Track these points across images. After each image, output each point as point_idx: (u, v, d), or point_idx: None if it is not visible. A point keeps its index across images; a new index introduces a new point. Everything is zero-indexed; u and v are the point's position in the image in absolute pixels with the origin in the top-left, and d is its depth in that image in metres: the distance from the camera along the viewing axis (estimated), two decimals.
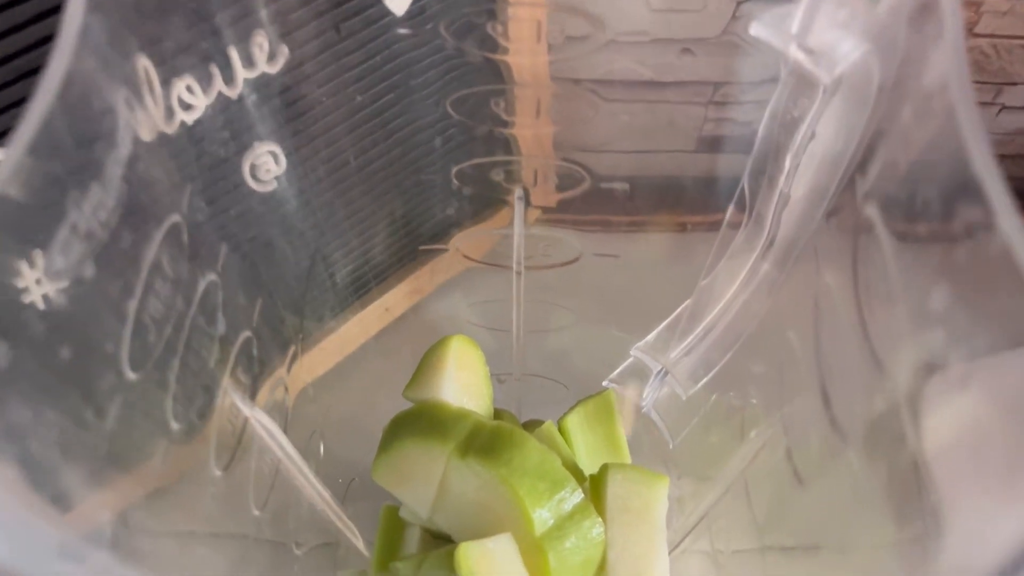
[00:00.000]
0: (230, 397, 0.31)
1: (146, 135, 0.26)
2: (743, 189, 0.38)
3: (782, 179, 0.38)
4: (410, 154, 0.36)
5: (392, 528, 0.43)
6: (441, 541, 0.42)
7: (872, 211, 0.26)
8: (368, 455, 0.46)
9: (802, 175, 0.37)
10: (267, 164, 0.36)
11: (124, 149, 0.25)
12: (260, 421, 0.33)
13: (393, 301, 0.46)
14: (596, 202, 0.37)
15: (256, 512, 0.33)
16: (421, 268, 0.44)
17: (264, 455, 0.33)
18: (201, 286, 0.29)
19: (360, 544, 0.42)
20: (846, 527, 0.26)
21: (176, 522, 0.27)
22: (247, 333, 0.33)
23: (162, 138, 0.27)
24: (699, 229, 0.38)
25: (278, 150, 0.36)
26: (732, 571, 0.35)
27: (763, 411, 0.33)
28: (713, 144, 0.39)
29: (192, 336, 0.28)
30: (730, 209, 0.37)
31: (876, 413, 0.24)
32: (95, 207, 0.23)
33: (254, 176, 0.35)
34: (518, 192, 0.38)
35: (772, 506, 0.31)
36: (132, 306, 0.25)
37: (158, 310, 0.26)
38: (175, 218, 0.27)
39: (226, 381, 0.31)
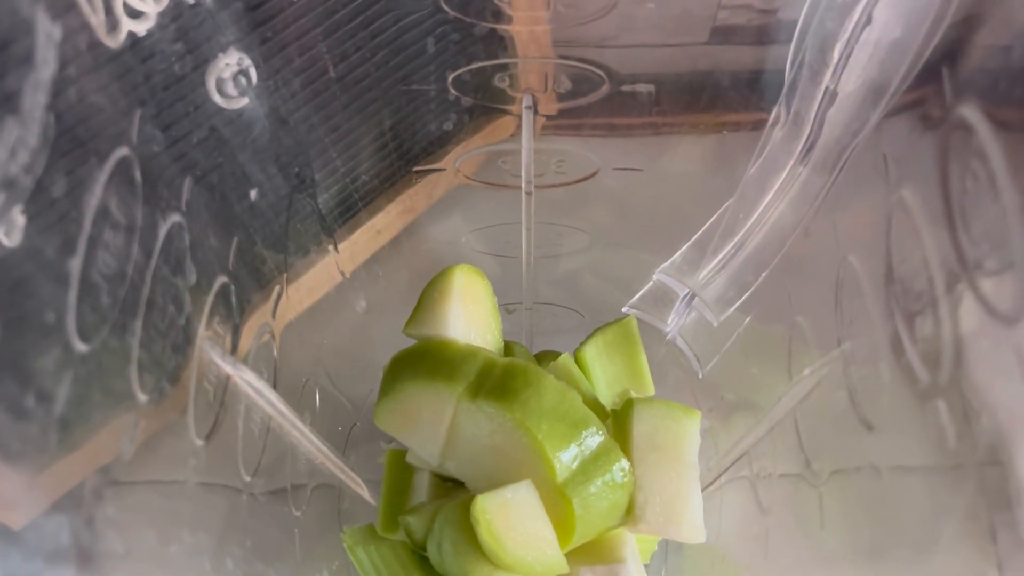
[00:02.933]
0: (207, 354, 0.27)
1: (80, 52, 0.21)
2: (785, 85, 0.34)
3: (828, 73, 0.33)
4: (398, 59, 0.31)
5: (399, 475, 0.39)
6: (453, 485, 0.39)
7: (969, 111, 0.21)
8: (369, 395, 0.42)
9: (853, 68, 0.32)
10: (235, 77, 0.31)
11: (46, 71, 0.20)
12: (245, 379, 0.29)
13: (384, 223, 0.42)
14: (617, 109, 0.32)
15: (247, 478, 0.29)
16: (414, 187, 0.39)
17: (252, 414, 0.30)
18: (163, 230, 0.25)
19: (366, 494, 0.38)
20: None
21: (152, 507, 0.23)
22: (223, 278, 0.29)
23: (102, 54, 0.22)
24: (738, 131, 0.33)
25: (246, 60, 0.31)
26: (776, 502, 0.32)
27: (816, 344, 0.29)
28: (743, 35, 0.34)
29: (156, 290, 0.24)
30: (775, 110, 0.32)
31: (967, 365, 0.20)
32: (12, 147, 0.18)
33: (221, 92, 0.30)
34: (526, 100, 0.33)
35: (830, 451, 0.27)
36: (75, 265, 0.20)
37: (109, 265, 0.22)
38: (123, 152, 0.23)
39: (201, 337, 0.27)
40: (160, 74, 0.25)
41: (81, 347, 0.21)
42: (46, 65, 0.20)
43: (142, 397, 0.23)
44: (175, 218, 0.25)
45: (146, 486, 0.24)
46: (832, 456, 0.27)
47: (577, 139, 0.34)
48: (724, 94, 0.32)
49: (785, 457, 0.30)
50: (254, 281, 0.31)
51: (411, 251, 0.41)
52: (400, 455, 0.39)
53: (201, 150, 0.27)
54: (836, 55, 0.31)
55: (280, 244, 0.33)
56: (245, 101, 0.31)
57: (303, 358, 0.36)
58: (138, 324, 0.23)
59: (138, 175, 0.23)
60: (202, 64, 0.27)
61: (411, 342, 0.38)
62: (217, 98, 0.30)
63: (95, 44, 0.22)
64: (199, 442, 0.26)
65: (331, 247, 0.40)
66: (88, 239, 0.21)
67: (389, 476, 0.39)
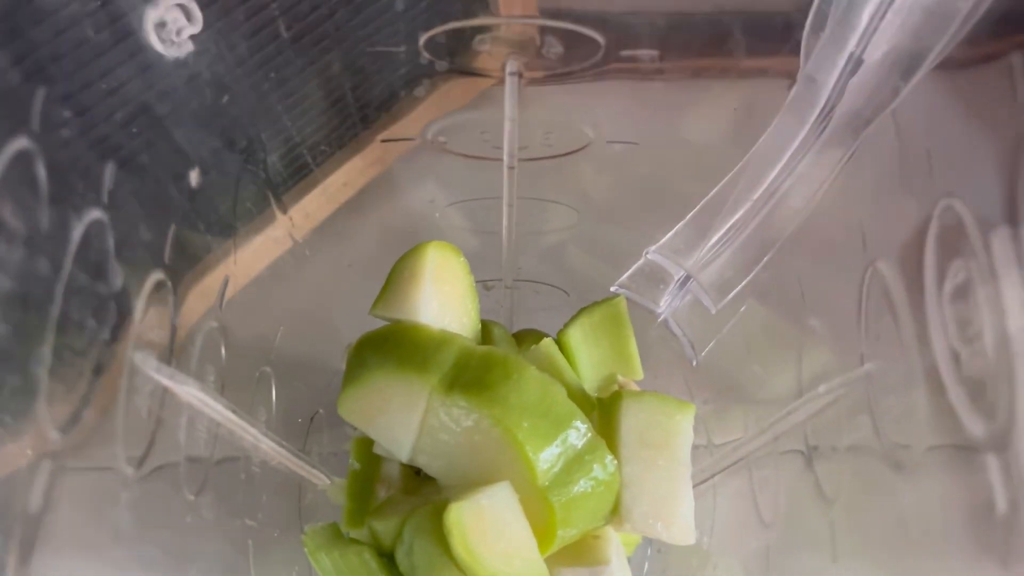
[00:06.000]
0: (139, 368, 0.23)
1: None
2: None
3: (854, 38, 0.29)
4: (360, 16, 0.26)
5: (366, 465, 0.36)
6: (424, 478, 0.36)
7: None
8: (333, 379, 0.39)
9: (883, 33, 0.28)
10: (177, 20, 0.27)
11: None
12: (186, 390, 0.25)
13: (341, 180, 0.37)
14: (613, 76, 0.28)
15: (191, 497, 0.26)
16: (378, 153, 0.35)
17: (196, 424, 0.26)
18: (77, 232, 0.21)
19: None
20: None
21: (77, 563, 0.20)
22: (157, 275, 0.25)
23: None
24: (750, 102, 0.29)
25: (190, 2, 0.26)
26: (779, 518, 0.29)
27: (833, 354, 0.26)
28: None
29: (70, 305, 0.20)
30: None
31: None
32: None
33: (162, 36, 0.26)
34: (510, 66, 0.28)
35: (847, 478, 0.24)
36: None
37: (2, 287, 0.18)
38: (20, 144, 0.19)
39: (131, 348, 0.23)
40: (69, 37, 0.21)
41: None
42: None
43: (55, 436, 0.20)
44: (94, 214, 0.21)
45: (69, 531, 0.21)
46: (849, 485, 0.24)
47: (567, 108, 0.30)
48: (737, 61, 0.28)
49: (791, 472, 0.28)
50: (197, 273, 0.27)
51: (377, 219, 0.37)
52: (367, 443, 0.36)
53: (125, 130, 0.23)
54: (865, 18, 0.28)
55: (228, 228, 0.29)
56: (188, 48, 0.26)
57: (255, 346, 0.32)
58: (45, 351, 0.19)
59: (42, 170, 0.19)
60: (117, 20, 0.22)
61: (378, 324, 0.34)
62: (156, 44, 0.25)
63: None
64: (129, 471, 0.23)
65: (279, 211, 0.36)
66: None
67: (354, 471, 0.36)
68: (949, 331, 0.20)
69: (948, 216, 0.20)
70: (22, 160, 0.19)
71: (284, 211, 0.35)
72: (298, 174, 0.34)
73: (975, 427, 0.19)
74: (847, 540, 0.25)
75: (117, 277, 0.22)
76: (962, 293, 0.20)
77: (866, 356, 0.24)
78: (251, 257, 0.33)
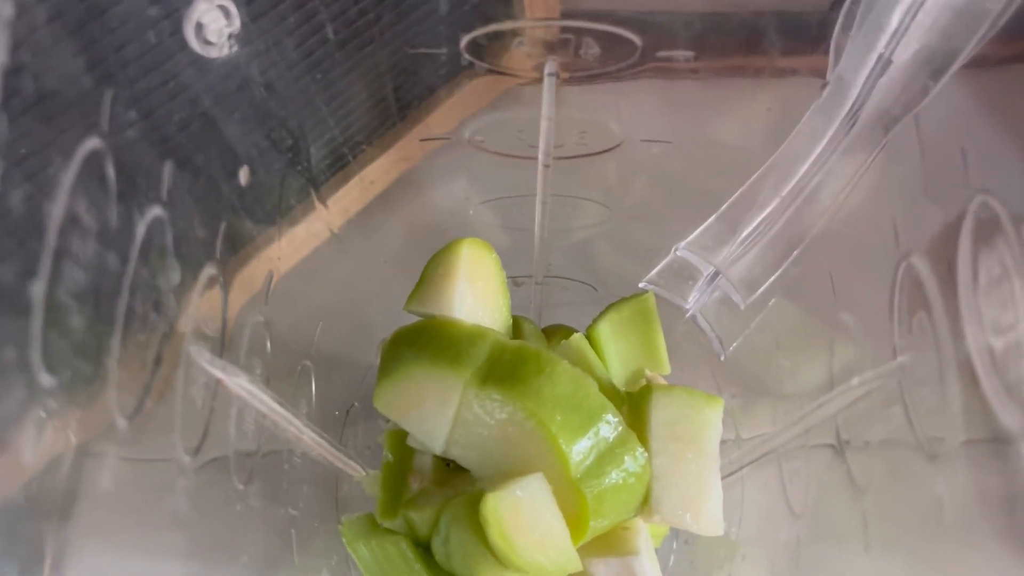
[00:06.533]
0: (194, 360, 0.24)
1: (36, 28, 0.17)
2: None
3: (883, 39, 0.29)
4: (405, 20, 0.27)
5: (399, 457, 0.37)
6: (456, 470, 0.37)
7: None
8: (367, 373, 0.40)
9: (913, 33, 0.29)
10: (216, 21, 0.28)
11: None
12: (237, 382, 0.26)
13: (376, 174, 0.37)
14: (646, 75, 0.29)
15: (240, 486, 0.27)
16: (416, 150, 0.36)
17: (244, 416, 0.27)
18: (141, 228, 0.21)
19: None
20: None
21: (133, 542, 0.21)
22: (210, 270, 0.26)
23: (59, 26, 0.19)
24: (784, 102, 0.30)
25: (228, 3, 0.27)
26: (809, 509, 0.30)
27: (865, 348, 0.26)
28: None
29: (135, 299, 0.21)
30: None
31: None
32: None
33: (201, 38, 0.27)
34: (548, 67, 0.29)
35: (880, 467, 0.25)
36: (38, 289, 0.17)
37: (79, 281, 0.19)
38: (92, 144, 0.19)
39: (186, 343, 0.24)
40: (133, 42, 0.22)
41: (48, 381, 0.18)
42: None
43: (122, 423, 0.21)
44: (155, 212, 0.22)
45: (131, 515, 0.21)
46: (881, 476, 0.25)
47: (602, 107, 0.31)
48: (772, 61, 0.28)
49: (822, 463, 0.28)
50: (245, 270, 0.28)
51: (411, 215, 0.37)
52: (401, 436, 0.37)
53: (183, 130, 0.23)
54: (896, 19, 0.28)
55: (272, 224, 0.30)
56: (228, 49, 0.27)
57: (296, 340, 0.33)
58: (115, 342, 0.20)
59: (111, 169, 0.20)
60: (178, 31, 0.23)
61: (412, 319, 0.35)
62: (196, 45, 0.26)
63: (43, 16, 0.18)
64: (187, 459, 0.23)
65: (320, 204, 0.37)
66: (53, 255, 0.18)
67: (388, 463, 0.37)
68: (983, 324, 0.21)
69: (983, 211, 0.21)
70: (94, 159, 0.19)
71: (324, 204, 0.36)
72: (336, 167, 0.35)
73: (1009, 418, 0.19)
74: (879, 529, 0.25)
75: (175, 272, 0.23)
76: (996, 286, 0.20)
77: (899, 349, 0.24)
78: (290, 248, 0.34)
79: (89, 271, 0.19)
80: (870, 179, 0.28)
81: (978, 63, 0.24)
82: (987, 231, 0.21)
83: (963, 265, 0.22)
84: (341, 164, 0.35)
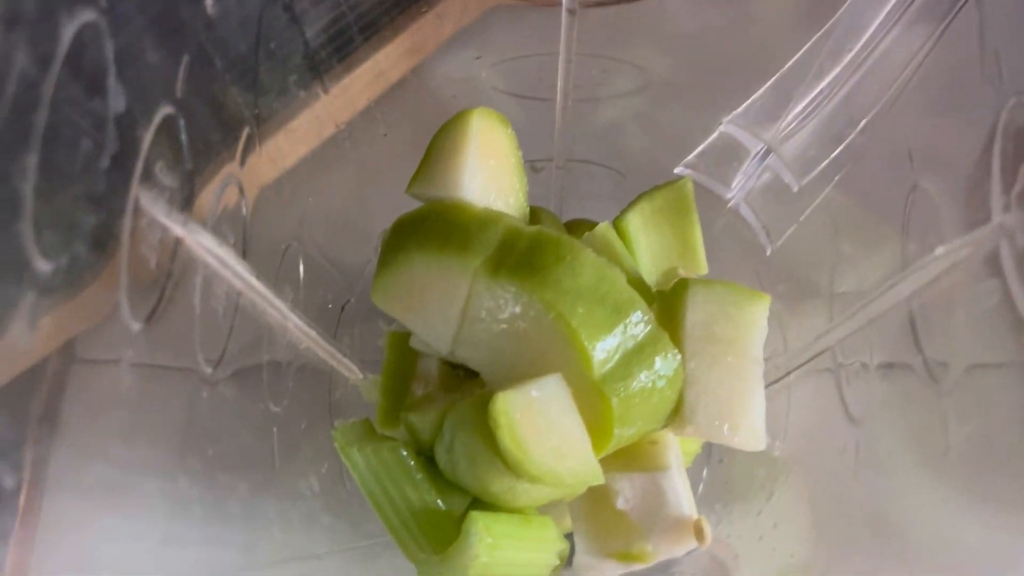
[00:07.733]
0: (147, 211, 0.20)
1: None
2: None
3: None
4: None
5: (401, 361, 0.33)
6: (466, 374, 0.33)
7: None
8: (367, 266, 0.36)
9: None
10: None
11: None
12: (202, 243, 0.22)
13: (387, 62, 0.34)
14: None
15: (208, 369, 0.23)
16: (424, 14, 0.31)
17: (213, 288, 0.23)
18: (67, 31, 0.17)
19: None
20: None
21: (72, 420, 0.17)
22: (167, 108, 0.21)
23: None
24: None
25: None
26: (873, 410, 0.26)
27: (952, 215, 0.22)
28: None
29: (60, 114, 0.17)
30: None
31: None
32: None
33: None
34: None
35: (967, 349, 0.21)
36: None
37: None
38: None
39: (135, 185, 0.20)
40: None
41: None
42: None
43: (42, 266, 0.17)
44: (87, 16, 0.18)
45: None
46: (969, 355, 0.20)
47: None
48: None
49: (891, 355, 0.24)
50: (214, 117, 0.24)
51: (418, 93, 0.33)
52: (403, 338, 0.33)
53: None
54: None
55: (249, 76, 0.26)
56: None
57: (283, 219, 0.29)
58: (30, 160, 0.16)
59: None
60: None
61: (416, 205, 0.31)
62: None
63: None
64: (136, 326, 0.19)
65: (321, 90, 0.33)
66: None
67: (389, 362, 0.33)
68: None
69: None
70: None
71: (322, 85, 0.32)
72: (343, 50, 0.31)
73: None
74: (963, 430, 0.21)
75: (118, 97, 0.19)
76: None
77: (996, 209, 0.20)
78: (283, 131, 0.30)
79: None
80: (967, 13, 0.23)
81: None
82: None
83: None
84: (349, 47, 0.31)
